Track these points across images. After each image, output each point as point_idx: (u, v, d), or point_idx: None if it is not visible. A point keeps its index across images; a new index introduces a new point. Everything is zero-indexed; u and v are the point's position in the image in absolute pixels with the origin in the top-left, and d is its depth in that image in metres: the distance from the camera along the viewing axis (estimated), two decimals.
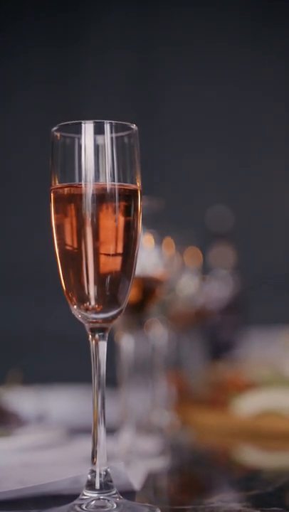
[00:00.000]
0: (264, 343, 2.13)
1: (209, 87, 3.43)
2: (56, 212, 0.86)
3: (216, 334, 2.19)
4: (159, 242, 1.22)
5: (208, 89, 3.42)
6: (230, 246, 2.21)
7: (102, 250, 0.84)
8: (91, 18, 3.50)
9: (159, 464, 1.14)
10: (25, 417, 1.37)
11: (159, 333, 1.51)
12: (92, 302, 0.85)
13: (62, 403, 1.58)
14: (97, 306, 0.84)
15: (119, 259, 0.85)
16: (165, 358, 1.54)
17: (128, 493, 0.88)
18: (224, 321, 2.20)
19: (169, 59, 3.46)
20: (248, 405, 1.49)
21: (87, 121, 0.85)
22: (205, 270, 1.97)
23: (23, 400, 1.47)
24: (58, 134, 0.86)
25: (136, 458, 1.13)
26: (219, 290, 2.19)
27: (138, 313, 1.22)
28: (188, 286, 1.61)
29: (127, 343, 1.23)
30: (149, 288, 1.22)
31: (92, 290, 0.84)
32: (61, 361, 2.82)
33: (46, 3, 3.51)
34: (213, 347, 2.17)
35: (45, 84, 3.49)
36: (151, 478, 1.04)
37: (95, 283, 0.84)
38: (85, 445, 1.24)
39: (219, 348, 2.18)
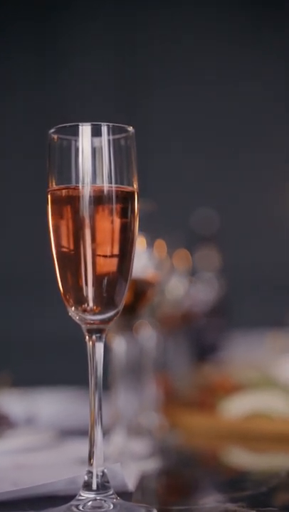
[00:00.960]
0: (249, 346, 2.14)
1: (195, 89, 3.44)
2: (53, 214, 0.86)
3: (201, 337, 2.19)
4: (150, 244, 1.22)
5: (194, 91, 3.44)
6: (215, 249, 2.22)
7: (100, 252, 0.84)
8: (78, 19, 3.51)
9: (151, 465, 1.14)
10: (14, 420, 1.37)
11: (147, 335, 1.52)
12: (89, 304, 0.85)
13: (52, 405, 1.57)
14: (94, 307, 0.85)
15: (116, 261, 0.85)
16: (154, 360, 1.54)
17: (123, 494, 0.89)
18: (209, 324, 2.21)
19: (157, 60, 3.48)
20: (236, 407, 1.50)
21: (84, 124, 0.85)
22: (190, 273, 1.98)
23: (12, 403, 1.47)
24: (55, 136, 0.87)
25: (128, 459, 1.13)
26: (204, 293, 2.20)
27: (130, 315, 1.22)
28: (177, 289, 1.62)
29: (119, 345, 1.23)
30: (140, 290, 1.22)
31: (89, 291, 0.85)
32: (51, 363, 2.82)
33: (31, 5, 3.51)
34: (198, 349, 2.17)
35: (29, 86, 3.49)
36: (144, 480, 1.04)
37: (92, 284, 0.84)
38: (75, 447, 1.24)
39: (204, 351, 2.18)
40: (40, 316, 3.21)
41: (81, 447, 1.23)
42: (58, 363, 2.85)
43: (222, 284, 2.24)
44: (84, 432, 1.35)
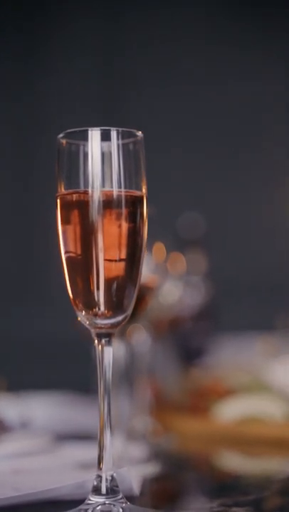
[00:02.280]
0: (236, 350, 2.14)
1: (182, 92, 3.45)
2: (62, 218, 0.86)
3: (188, 341, 2.19)
4: (149, 247, 1.22)
5: (181, 94, 3.44)
6: (202, 252, 2.22)
7: (110, 256, 0.84)
8: (63, 23, 3.51)
9: (150, 469, 1.15)
10: (9, 424, 1.37)
11: (141, 339, 1.52)
12: (100, 308, 0.85)
13: (46, 410, 1.57)
14: (105, 311, 0.85)
15: (126, 265, 0.85)
16: (147, 364, 1.54)
17: (130, 499, 0.89)
18: (196, 328, 2.21)
19: (138, 62, 3.48)
20: (229, 411, 1.50)
21: (93, 128, 0.85)
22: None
23: (7, 407, 1.46)
24: (64, 141, 0.87)
25: (127, 464, 1.13)
26: (191, 297, 2.20)
27: (129, 319, 1.22)
28: (171, 293, 1.62)
29: (118, 349, 1.23)
30: (139, 294, 1.22)
31: (100, 296, 0.85)
32: (45, 368, 2.82)
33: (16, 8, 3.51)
34: (184, 354, 2.17)
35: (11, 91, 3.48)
36: (145, 484, 1.04)
37: (103, 289, 0.85)
38: (72, 451, 1.24)
39: (191, 355, 2.18)
40: (30, 321, 3.21)
41: (77, 452, 1.23)
42: (52, 367, 2.85)
43: (209, 288, 2.24)
44: (79, 437, 1.36)
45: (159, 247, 1.30)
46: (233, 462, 1.34)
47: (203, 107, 3.44)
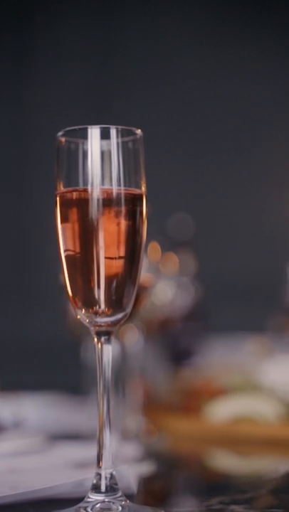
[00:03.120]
0: (226, 351, 2.15)
1: (170, 94, 3.45)
2: (62, 216, 0.86)
3: (177, 341, 2.20)
4: (144, 247, 1.22)
5: (165, 96, 3.44)
6: (191, 254, 2.23)
7: (109, 254, 0.84)
8: (53, 27, 3.51)
9: (146, 468, 1.15)
10: (2, 424, 1.37)
11: (134, 339, 1.52)
12: (101, 306, 0.85)
13: (39, 410, 1.57)
14: (105, 309, 0.85)
15: (126, 263, 0.85)
16: (140, 364, 1.54)
17: (128, 497, 0.89)
18: (185, 329, 2.21)
19: (126, 66, 3.48)
20: (221, 411, 1.50)
21: (93, 126, 0.85)
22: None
23: (1, 407, 1.46)
24: (63, 139, 0.87)
25: (122, 463, 1.13)
26: (180, 297, 2.20)
27: None
28: (164, 293, 1.62)
29: (113, 349, 1.23)
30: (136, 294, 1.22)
31: (100, 294, 0.85)
32: (35, 369, 2.81)
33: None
34: (174, 354, 2.18)
35: None
36: (142, 483, 1.04)
37: (102, 287, 0.85)
38: (66, 451, 1.24)
39: (180, 356, 2.19)
40: (22, 321, 3.20)
41: (71, 451, 1.23)
42: (42, 368, 2.84)
43: (198, 289, 2.24)
44: (71, 436, 1.36)
45: (154, 247, 1.30)
46: (226, 461, 1.34)
47: (193, 109, 3.44)
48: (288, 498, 0.99)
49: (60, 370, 2.59)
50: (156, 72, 3.51)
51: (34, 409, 1.54)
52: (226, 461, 1.34)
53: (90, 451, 1.19)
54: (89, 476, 0.89)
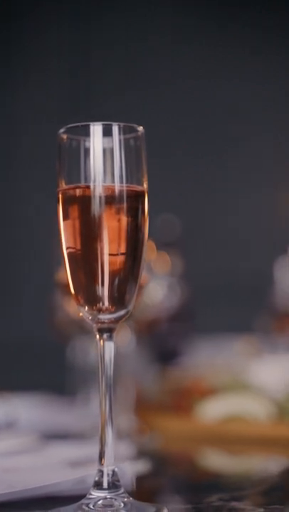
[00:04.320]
0: (212, 352, 2.15)
1: (152, 94, 3.46)
2: (64, 213, 0.86)
3: (164, 342, 2.20)
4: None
5: (152, 96, 3.45)
6: (178, 254, 2.23)
7: (113, 251, 0.84)
8: (32, 31, 3.51)
9: (141, 466, 1.15)
10: None
11: (126, 338, 1.52)
12: (101, 303, 0.85)
13: (31, 410, 1.57)
14: (109, 306, 0.85)
15: (129, 260, 0.86)
16: (132, 364, 1.54)
17: (130, 493, 0.89)
18: (172, 329, 2.22)
19: (108, 65, 3.48)
20: (213, 410, 1.51)
21: (95, 123, 0.86)
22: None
23: None
24: (65, 136, 0.87)
25: (118, 461, 1.13)
26: (168, 298, 2.21)
27: None
28: (155, 292, 1.62)
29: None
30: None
31: (101, 291, 0.85)
32: (20, 370, 2.80)
33: None
34: (160, 355, 2.18)
35: None
36: (139, 480, 1.04)
37: (105, 284, 0.85)
38: (60, 450, 1.24)
39: (166, 356, 2.19)
40: (13, 321, 3.20)
41: (65, 450, 1.23)
42: (27, 369, 2.84)
43: (185, 290, 2.25)
44: (65, 436, 1.36)
45: (149, 245, 1.30)
46: (225, 460, 1.34)
47: (180, 109, 3.45)
48: (287, 494, 1.00)
49: (44, 372, 2.59)
50: (139, 71, 3.51)
51: (25, 410, 1.54)
52: (218, 460, 1.34)
53: (84, 450, 1.20)
54: (90, 473, 0.89)
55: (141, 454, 1.27)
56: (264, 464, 1.27)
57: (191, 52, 3.51)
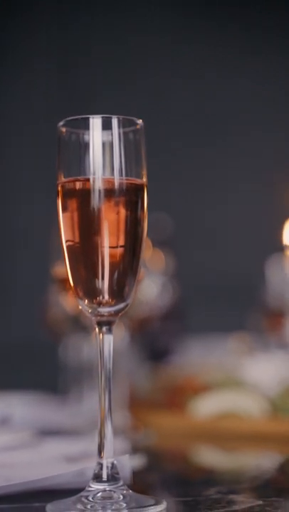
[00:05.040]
0: (203, 350, 2.16)
1: (139, 91, 3.46)
2: (64, 206, 0.86)
3: (155, 340, 2.20)
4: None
5: (139, 93, 3.45)
6: (170, 253, 2.23)
7: (112, 244, 0.85)
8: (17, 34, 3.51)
9: (137, 461, 1.15)
10: None
11: (120, 335, 1.52)
12: (101, 296, 0.85)
13: (25, 407, 1.57)
14: (109, 299, 0.85)
15: (128, 253, 0.86)
16: (126, 360, 1.54)
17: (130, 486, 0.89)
18: (163, 328, 2.22)
19: (95, 66, 3.49)
20: (206, 407, 1.51)
21: (94, 116, 0.86)
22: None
23: None
24: (64, 129, 0.87)
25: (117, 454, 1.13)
26: (159, 297, 2.21)
27: None
28: (150, 289, 1.62)
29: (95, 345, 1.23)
30: None
31: (101, 284, 0.85)
32: (21, 369, 2.80)
33: None
34: (152, 353, 2.18)
35: None
36: (135, 475, 1.04)
37: (104, 277, 0.85)
38: (55, 445, 1.24)
39: (157, 355, 2.19)
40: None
41: (60, 446, 1.23)
42: (15, 368, 2.83)
43: (176, 288, 2.25)
44: (59, 433, 1.36)
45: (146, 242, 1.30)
46: (220, 455, 1.34)
47: (168, 106, 3.45)
48: (286, 487, 1.00)
49: (36, 371, 2.58)
50: (125, 69, 3.51)
51: (19, 407, 1.54)
52: (212, 456, 1.35)
53: (79, 446, 1.20)
54: (89, 466, 0.90)
55: (135, 450, 1.27)
56: (258, 460, 1.28)
57: (190, 52, 3.52)
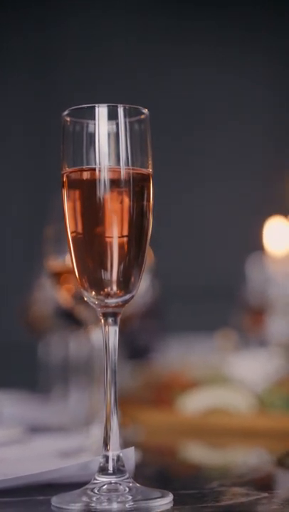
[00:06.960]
0: (183, 348, 2.16)
1: (125, 88, 3.46)
2: (69, 197, 0.85)
3: (135, 338, 2.20)
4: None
5: (124, 89, 3.45)
6: (150, 252, 2.22)
7: (119, 234, 0.84)
8: None
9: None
10: None
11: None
12: (107, 287, 0.84)
13: (14, 405, 1.56)
14: (111, 290, 0.84)
15: (135, 244, 0.85)
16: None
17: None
18: (142, 326, 2.21)
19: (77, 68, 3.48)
20: (194, 403, 1.51)
21: (100, 105, 0.85)
22: None
23: None
24: (69, 119, 0.86)
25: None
26: (142, 295, 2.20)
27: None
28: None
29: (88, 342, 1.23)
30: None
31: (109, 275, 0.84)
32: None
33: None
34: (131, 351, 2.17)
35: None
36: (137, 468, 1.04)
37: (113, 268, 0.84)
38: (46, 441, 1.23)
39: (137, 352, 2.19)
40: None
41: (52, 441, 1.22)
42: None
43: (156, 287, 2.24)
44: (48, 429, 1.35)
45: None
46: (215, 451, 1.34)
47: (152, 102, 3.45)
48: (286, 480, 1.00)
49: (12, 369, 2.57)
50: (104, 68, 3.51)
51: (7, 404, 1.53)
52: (200, 452, 1.34)
53: (71, 442, 1.19)
54: (93, 459, 0.89)
55: (125, 446, 1.26)
56: (246, 455, 1.28)
57: (165, 54, 3.52)
